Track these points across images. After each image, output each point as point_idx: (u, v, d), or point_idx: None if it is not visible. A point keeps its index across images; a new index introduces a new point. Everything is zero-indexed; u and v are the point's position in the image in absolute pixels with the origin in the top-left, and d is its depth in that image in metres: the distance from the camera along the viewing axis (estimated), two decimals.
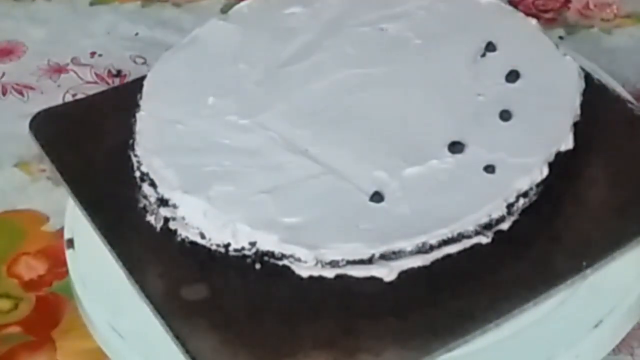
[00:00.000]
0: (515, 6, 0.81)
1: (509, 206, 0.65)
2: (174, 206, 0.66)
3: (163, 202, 0.66)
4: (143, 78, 0.75)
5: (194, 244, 0.66)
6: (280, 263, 0.64)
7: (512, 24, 0.76)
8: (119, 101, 0.76)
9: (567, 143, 0.68)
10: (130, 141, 0.70)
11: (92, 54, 0.97)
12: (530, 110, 0.70)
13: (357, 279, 0.63)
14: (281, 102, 0.71)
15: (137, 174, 0.68)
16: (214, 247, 0.65)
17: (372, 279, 0.63)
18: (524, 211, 0.66)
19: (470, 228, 0.64)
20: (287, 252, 0.63)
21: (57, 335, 0.74)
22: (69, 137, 0.75)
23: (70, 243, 0.71)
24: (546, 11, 0.99)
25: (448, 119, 0.70)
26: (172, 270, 0.67)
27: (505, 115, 0.69)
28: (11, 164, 0.87)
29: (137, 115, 0.71)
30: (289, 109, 0.71)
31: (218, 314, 0.64)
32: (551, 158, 0.67)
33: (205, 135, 0.69)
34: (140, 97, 0.73)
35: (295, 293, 0.64)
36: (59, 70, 0.96)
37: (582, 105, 0.70)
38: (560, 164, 0.68)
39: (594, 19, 0.98)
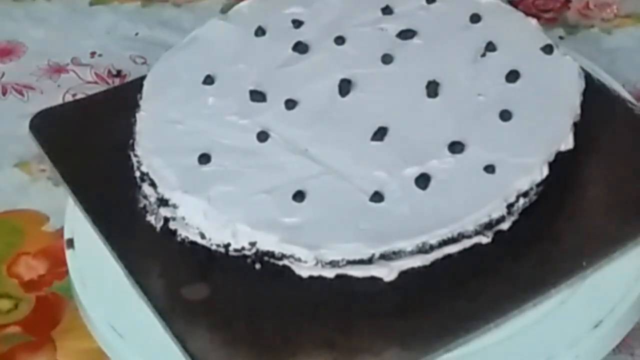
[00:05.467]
0: (515, 6, 0.81)
1: (509, 206, 0.65)
2: (174, 206, 0.66)
3: (163, 202, 0.66)
4: (143, 78, 0.75)
5: (194, 244, 0.66)
6: (281, 263, 0.64)
7: (512, 23, 0.76)
8: (119, 101, 0.76)
9: (567, 143, 0.68)
10: (130, 141, 0.70)
11: (92, 54, 0.97)
12: (530, 110, 0.70)
13: (357, 279, 0.63)
14: (281, 102, 0.71)
15: (137, 174, 0.68)
16: (214, 247, 0.65)
17: (372, 278, 0.63)
18: (524, 211, 0.66)
19: (471, 228, 0.64)
20: (287, 252, 0.63)
21: (57, 335, 0.74)
22: (69, 137, 0.76)
23: (70, 243, 0.71)
24: (546, 11, 0.99)
25: (448, 119, 0.70)
26: (172, 270, 0.67)
27: (505, 115, 0.69)
28: (11, 164, 0.87)
29: (137, 115, 0.71)
30: (289, 109, 0.71)
31: (218, 314, 0.64)
32: (551, 158, 0.67)
33: (205, 135, 0.69)
34: (140, 97, 0.73)
35: (295, 293, 0.64)
36: (59, 70, 0.96)
37: (582, 105, 0.70)
38: (560, 164, 0.68)
39: (594, 19, 0.98)
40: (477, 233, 0.64)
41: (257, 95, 0.72)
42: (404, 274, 0.63)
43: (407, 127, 0.69)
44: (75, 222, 0.72)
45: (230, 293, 0.65)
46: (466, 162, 0.67)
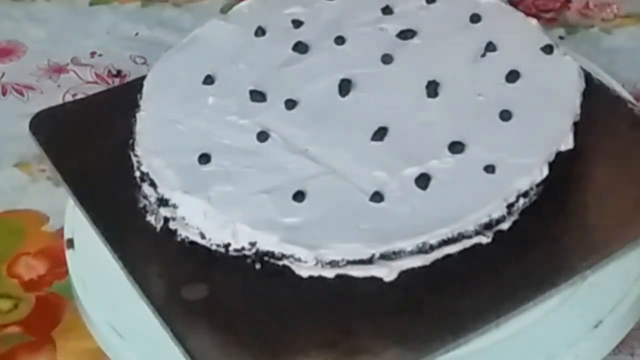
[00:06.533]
0: (515, 6, 0.81)
1: (509, 206, 0.65)
2: (174, 206, 0.66)
3: (163, 202, 0.66)
4: (143, 78, 0.75)
5: (194, 244, 0.66)
6: (280, 263, 0.64)
7: (512, 24, 0.77)
8: (119, 101, 0.76)
9: (567, 143, 0.68)
10: (130, 141, 0.70)
11: (92, 54, 0.98)
12: (530, 110, 0.70)
13: (357, 279, 0.63)
14: (281, 102, 0.71)
15: (137, 174, 0.68)
16: (214, 247, 0.65)
17: (372, 279, 0.63)
18: (524, 211, 0.66)
19: (471, 228, 0.64)
20: (287, 252, 0.63)
21: (57, 335, 0.75)
22: (69, 137, 0.76)
23: (70, 243, 0.71)
24: (546, 11, 0.99)
25: (448, 119, 0.70)
26: (172, 270, 0.67)
27: (505, 115, 0.69)
28: (11, 164, 0.87)
29: (137, 115, 0.71)
30: (288, 109, 0.71)
31: (218, 314, 0.64)
32: (551, 158, 0.67)
33: (205, 135, 0.69)
34: (140, 97, 0.73)
35: (295, 293, 0.64)
36: (59, 70, 0.96)
37: (582, 105, 0.70)
38: (560, 164, 0.68)
39: (594, 19, 0.98)
40: (477, 233, 0.64)
41: (257, 95, 0.72)
42: (404, 274, 0.63)
43: (407, 127, 0.69)
44: (75, 222, 0.72)
45: (230, 293, 0.65)
46: (466, 162, 0.67)
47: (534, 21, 0.77)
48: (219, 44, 0.77)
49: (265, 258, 0.64)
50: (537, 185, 0.66)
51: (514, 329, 0.63)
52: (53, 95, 0.93)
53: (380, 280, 0.63)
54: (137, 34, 1.00)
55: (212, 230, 0.65)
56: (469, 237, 0.64)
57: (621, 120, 0.74)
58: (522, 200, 0.66)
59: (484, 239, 0.64)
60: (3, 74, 0.96)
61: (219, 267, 0.65)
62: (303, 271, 0.64)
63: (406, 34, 0.75)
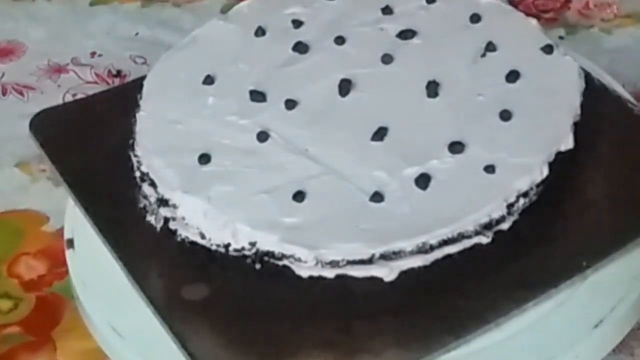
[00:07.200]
0: (516, 6, 0.81)
1: (509, 206, 0.65)
2: (174, 206, 0.66)
3: (163, 202, 0.66)
4: (143, 78, 0.75)
5: (194, 244, 0.66)
6: (281, 263, 0.64)
7: (512, 23, 0.77)
8: (119, 101, 0.76)
9: (567, 143, 0.68)
10: (130, 141, 0.70)
11: (92, 54, 0.97)
12: (530, 110, 0.70)
13: (357, 279, 0.63)
14: (281, 102, 0.71)
15: (137, 174, 0.68)
16: (214, 247, 0.65)
17: (373, 279, 0.63)
18: (524, 211, 0.66)
19: (471, 228, 0.64)
20: (287, 252, 0.63)
21: (57, 335, 0.75)
22: (69, 137, 0.76)
23: (70, 243, 0.71)
24: (546, 11, 0.99)
25: (448, 119, 0.70)
26: (172, 270, 0.67)
27: (505, 115, 0.69)
28: (11, 164, 0.87)
29: (137, 115, 0.71)
30: (289, 109, 0.71)
31: (218, 314, 0.64)
32: (551, 158, 0.67)
33: (205, 136, 0.69)
34: (141, 97, 0.73)
35: (295, 293, 0.64)
36: (59, 70, 0.96)
37: (582, 105, 0.70)
38: (560, 163, 0.68)
39: (594, 19, 0.98)
40: (477, 233, 0.64)
41: (257, 95, 0.72)
42: (404, 274, 0.63)
43: (407, 127, 0.69)
44: (75, 222, 0.72)
45: (230, 293, 0.65)
46: (466, 162, 0.67)
47: (534, 21, 0.77)
48: (219, 44, 0.77)
49: (265, 258, 0.64)
50: (537, 185, 0.66)
51: (514, 329, 0.63)
52: (53, 95, 0.93)
53: (380, 280, 0.63)
54: (137, 34, 1.00)
55: (212, 230, 0.65)
56: (469, 237, 0.64)
57: (621, 120, 0.74)
58: (522, 200, 0.66)
59: (484, 239, 0.64)
60: (3, 74, 0.96)
61: (219, 267, 0.65)
62: (303, 271, 0.64)
63: (406, 34, 0.75)
